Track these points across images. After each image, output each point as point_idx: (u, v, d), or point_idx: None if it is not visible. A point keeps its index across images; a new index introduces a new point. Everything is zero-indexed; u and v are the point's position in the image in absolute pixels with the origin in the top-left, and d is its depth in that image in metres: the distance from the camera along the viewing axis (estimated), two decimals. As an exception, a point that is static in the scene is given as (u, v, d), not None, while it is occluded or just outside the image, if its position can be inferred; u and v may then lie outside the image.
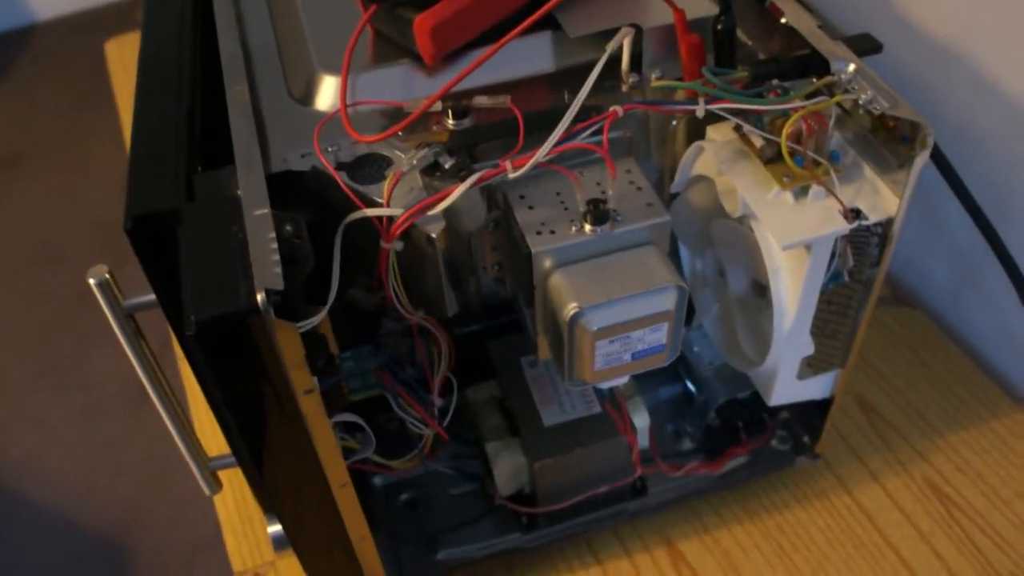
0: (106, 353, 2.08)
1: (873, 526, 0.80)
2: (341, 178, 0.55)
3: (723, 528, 0.81)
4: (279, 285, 0.46)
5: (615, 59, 0.61)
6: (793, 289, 0.62)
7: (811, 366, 0.71)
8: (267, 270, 0.46)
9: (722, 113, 0.58)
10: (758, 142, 0.60)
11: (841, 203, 0.58)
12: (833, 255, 0.62)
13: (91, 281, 0.53)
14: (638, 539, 0.81)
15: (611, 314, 0.56)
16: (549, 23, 0.63)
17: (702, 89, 0.58)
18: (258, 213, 0.50)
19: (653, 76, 0.62)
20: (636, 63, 0.63)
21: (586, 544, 0.80)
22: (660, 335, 0.59)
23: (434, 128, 0.59)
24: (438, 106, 0.59)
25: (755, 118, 0.60)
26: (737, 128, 0.61)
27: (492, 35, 0.61)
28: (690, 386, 0.85)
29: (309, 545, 0.64)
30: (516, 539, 0.77)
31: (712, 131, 0.63)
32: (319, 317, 0.50)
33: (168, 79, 0.63)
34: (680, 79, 0.62)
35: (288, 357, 0.48)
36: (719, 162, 0.61)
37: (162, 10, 0.71)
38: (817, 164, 0.58)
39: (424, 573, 0.76)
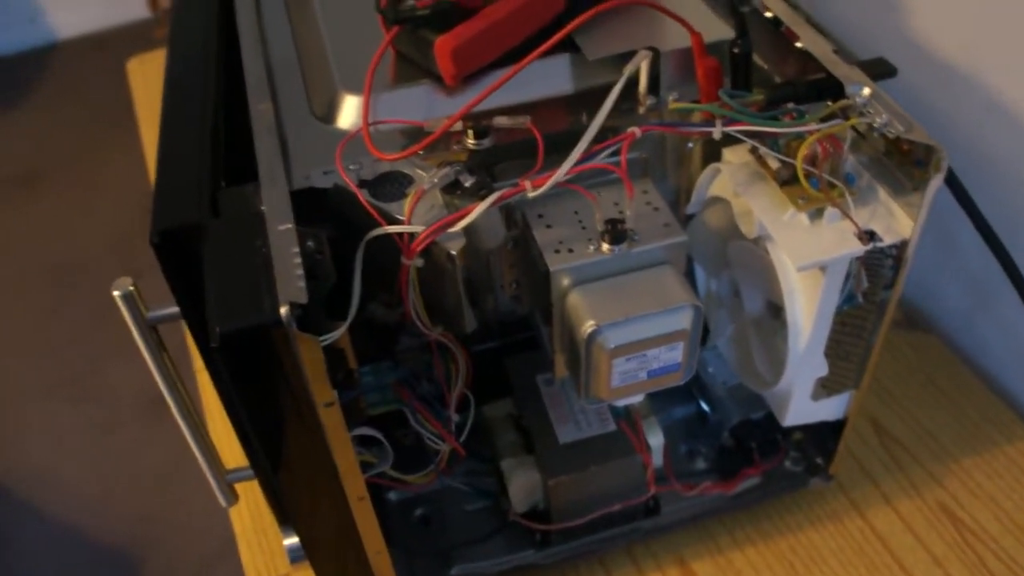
0: (120, 366, 2.10)
1: (886, 549, 0.81)
2: (363, 195, 0.56)
3: (736, 549, 0.81)
4: (303, 299, 0.46)
5: (633, 81, 0.62)
6: (808, 310, 0.63)
7: (825, 387, 0.71)
8: (291, 284, 0.47)
9: (739, 135, 0.59)
10: (774, 164, 0.61)
11: (856, 225, 0.58)
12: (848, 277, 0.62)
13: (116, 293, 0.53)
14: (651, 558, 0.81)
15: (628, 332, 0.57)
16: (568, 45, 0.64)
17: (719, 112, 0.58)
18: (282, 228, 0.51)
19: (670, 98, 0.63)
20: (654, 85, 0.63)
21: (599, 562, 0.80)
22: (676, 354, 0.59)
23: (454, 147, 0.60)
24: (458, 126, 0.60)
25: (771, 140, 0.60)
26: (753, 150, 0.62)
27: (512, 56, 0.62)
28: (704, 406, 0.85)
29: (325, 558, 0.65)
30: (529, 556, 0.77)
31: (728, 153, 0.64)
32: (340, 331, 0.51)
33: (194, 96, 0.64)
34: (697, 101, 0.63)
35: (310, 370, 0.49)
36: (735, 184, 0.62)
37: (188, 28, 0.72)
38: (832, 186, 0.59)
39: (438, 588, 0.77)
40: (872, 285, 0.64)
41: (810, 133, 0.58)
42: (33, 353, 2.21)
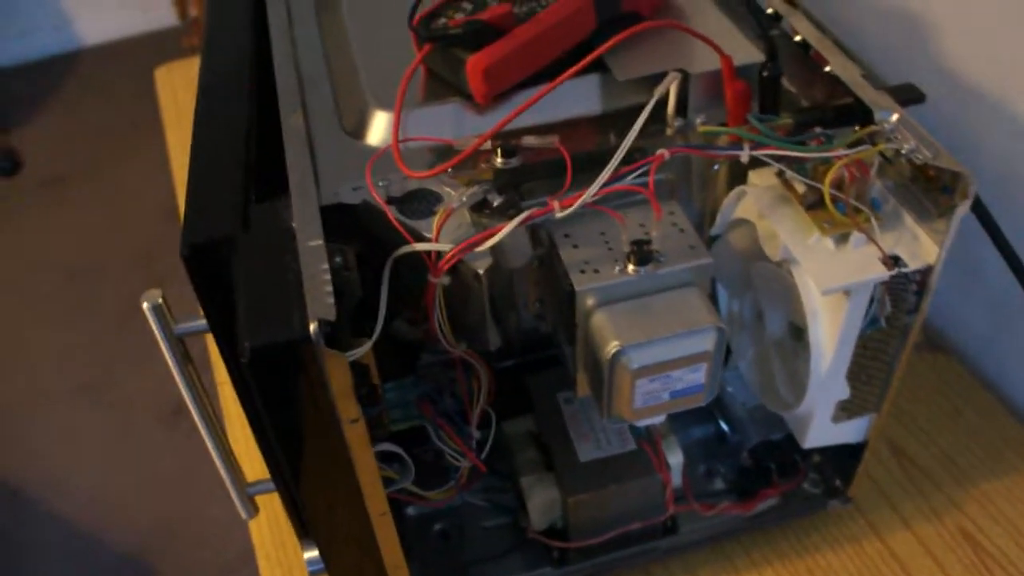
0: (139, 373, 2.11)
1: (904, 573, 0.80)
2: (391, 212, 0.56)
3: (753, 570, 0.81)
4: (331, 316, 0.47)
5: (661, 103, 0.62)
6: (831, 333, 0.63)
7: (846, 410, 0.71)
8: (320, 300, 0.48)
9: (766, 159, 0.59)
10: (800, 188, 0.61)
11: (881, 250, 0.59)
12: (872, 301, 0.62)
13: (145, 305, 0.54)
14: (668, 578, 0.81)
15: (651, 353, 0.57)
16: (597, 66, 0.64)
17: (747, 135, 0.59)
18: (312, 244, 0.51)
19: (698, 121, 0.63)
20: (682, 107, 0.64)
21: (616, 581, 0.81)
22: (699, 375, 0.59)
23: (483, 166, 0.60)
24: (487, 144, 0.60)
25: (798, 164, 0.60)
26: (780, 174, 0.62)
27: (542, 76, 0.62)
28: (724, 426, 0.85)
29: (345, 572, 0.65)
30: (547, 573, 0.77)
31: (754, 176, 0.64)
32: (366, 347, 0.51)
33: (227, 107, 0.65)
34: (724, 124, 0.63)
35: (336, 386, 0.49)
36: (760, 207, 0.62)
37: (222, 37, 0.72)
38: (858, 211, 0.59)
39: (455, 604, 0.77)
40: (895, 310, 0.64)
41: (838, 158, 0.58)
42: (52, 358, 2.23)
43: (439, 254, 0.55)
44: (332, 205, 0.58)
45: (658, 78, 0.62)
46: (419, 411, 0.67)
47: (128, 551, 1.83)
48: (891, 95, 0.63)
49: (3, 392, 2.15)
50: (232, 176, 0.57)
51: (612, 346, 0.56)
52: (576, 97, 0.64)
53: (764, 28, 0.65)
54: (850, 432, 0.73)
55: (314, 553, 0.64)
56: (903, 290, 0.63)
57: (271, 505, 0.83)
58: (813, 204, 0.60)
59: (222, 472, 0.64)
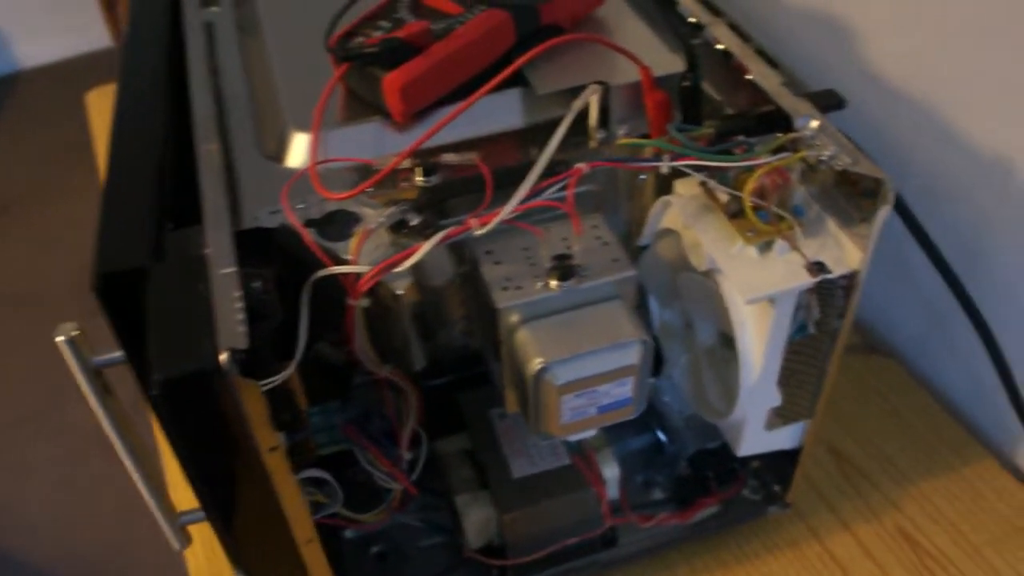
0: (84, 401, 2.07)
1: (845, 576, 0.81)
2: (310, 235, 0.55)
3: (695, 578, 0.81)
4: (243, 344, 0.46)
5: (583, 115, 0.62)
6: (759, 342, 0.63)
7: (780, 416, 0.71)
8: (232, 329, 0.47)
9: (687, 170, 0.59)
10: (723, 197, 0.61)
11: (805, 257, 0.59)
12: (798, 308, 0.62)
13: (59, 339, 0.53)
14: (610, 590, 0.81)
15: (576, 369, 0.57)
16: (518, 80, 0.64)
17: (667, 147, 0.58)
18: (224, 272, 0.50)
19: (620, 132, 0.63)
20: (604, 119, 0.64)
21: (558, 596, 0.80)
22: (626, 389, 0.59)
23: (403, 185, 0.60)
24: (407, 163, 0.59)
25: (720, 174, 0.60)
26: (703, 183, 0.62)
27: (461, 92, 0.62)
28: (661, 436, 0.85)
29: (278, 599, 0.64)
30: (487, 592, 0.77)
31: (679, 185, 0.64)
32: (285, 374, 0.51)
33: (142, 135, 0.64)
34: (647, 134, 0.63)
35: (252, 416, 0.49)
36: (685, 217, 0.62)
37: (138, 64, 0.71)
38: (781, 219, 0.59)
39: (394, 626, 0.76)
40: (824, 315, 0.64)
41: (758, 167, 0.58)
42: (-5, 387, 2.19)
43: (358, 276, 0.54)
44: (252, 229, 0.57)
45: (579, 90, 0.61)
46: (344, 435, 0.66)
47: (75, 577, 1.81)
48: (811, 102, 0.63)
49: (-55, 424, 2.11)
50: (145, 205, 0.56)
51: (536, 363, 0.56)
52: (497, 112, 0.64)
53: (684, 38, 0.65)
54: (785, 438, 0.73)
55: (246, 582, 0.63)
56: (830, 295, 0.63)
57: (210, 533, 0.82)
58: (736, 213, 0.60)
59: (150, 504, 0.62)
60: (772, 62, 0.67)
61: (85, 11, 3.26)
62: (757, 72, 0.66)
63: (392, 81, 0.60)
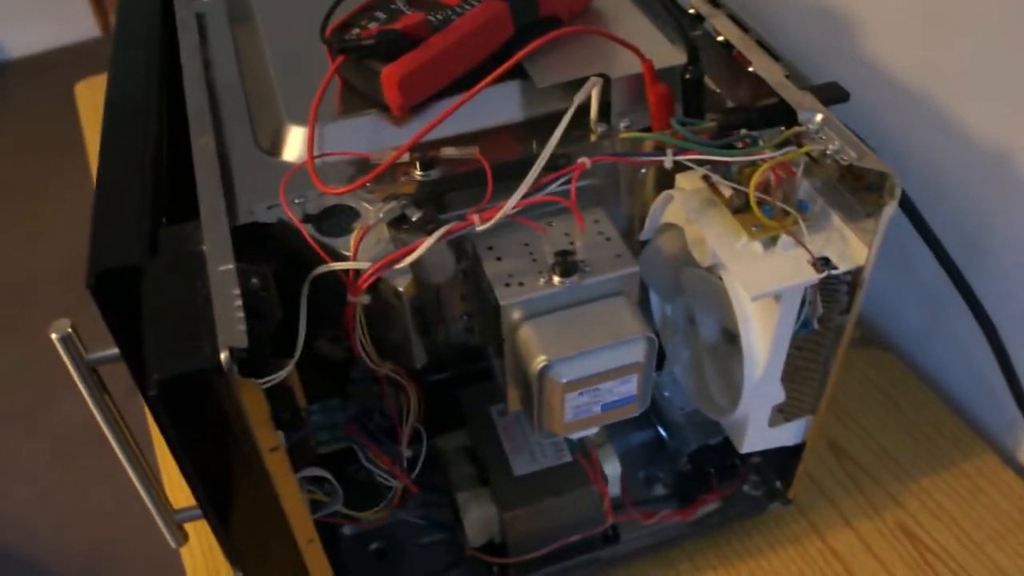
0: (76, 396, 2.05)
1: (847, 572, 0.80)
2: (307, 231, 0.54)
3: (696, 575, 0.80)
4: (243, 343, 0.45)
5: (584, 108, 0.61)
6: (763, 338, 0.62)
7: (783, 412, 0.70)
8: (231, 327, 0.46)
9: (689, 164, 0.58)
10: (727, 192, 0.60)
11: (810, 253, 0.58)
12: (803, 304, 0.61)
13: (53, 336, 0.52)
14: (611, 587, 0.80)
15: (580, 367, 0.56)
16: (517, 73, 0.63)
17: (670, 140, 0.58)
18: (222, 268, 0.49)
19: (621, 126, 0.62)
20: (605, 112, 0.63)
21: (558, 594, 0.79)
22: (630, 386, 0.58)
23: (402, 179, 0.59)
24: (406, 157, 0.59)
25: (723, 168, 0.60)
26: (706, 178, 0.61)
27: (460, 85, 0.61)
28: (662, 432, 0.84)
29: (276, 599, 0.63)
30: (487, 590, 0.76)
31: (681, 180, 0.63)
32: (284, 372, 0.50)
33: (134, 128, 0.63)
34: (649, 128, 0.62)
35: (252, 415, 0.48)
36: (688, 211, 0.61)
37: (130, 56, 0.70)
38: (786, 214, 0.58)
39: (393, 624, 0.76)
40: (828, 311, 0.63)
41: (763, 161, 0.57)
42: (-15, 383, 2.18)
43: (357, 272, 0.53)
44: (248, 225, 0.56)
45: (579, 83, 0.60)
46: (345, 433, 0.65)
47: (66, 574, 1.79)
48: (815, 94, 0.62)
49: (-66, 420, 2.10)
50: (139, 200, 0.55)
51: (539, 360, 0.55)
52: (496, 105, 0.63)
53: (685, 30, 0.64)
54: (788, 435, 0.73)
55: (244, 581, 0.62)
56: (834, 291, 0.63)
57: (205, 530, 0.81)
58: (740, 207, 0.59)
59: (147, 501, 0.61)
60: (773, 54, 0.66)
61: (73, 1, 3.24)
62: (759, 65, 0.65)
63: (390, 74, 0.59)
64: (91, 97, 1.45)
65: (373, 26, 0.62)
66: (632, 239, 0.68)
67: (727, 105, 0.66)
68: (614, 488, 0.74)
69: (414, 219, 0.55)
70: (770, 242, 0.59)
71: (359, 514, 0.68)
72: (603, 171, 0.63)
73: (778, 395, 0.67)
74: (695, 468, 0.81)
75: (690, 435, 0.80)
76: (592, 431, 0.62)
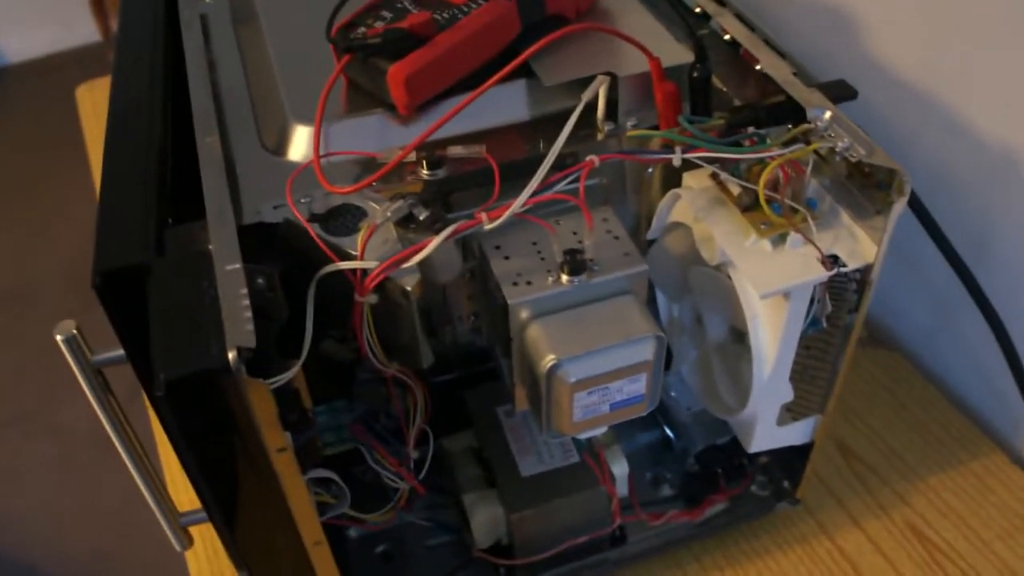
0: (77, 399, 2.05)
1: (855, 571, 0.80)
2: (314, 230, 0.54)
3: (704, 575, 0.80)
4: (251, 343, 0.45)
5: (591, 107, 0.60)
6: (772, 336, 0.62)
7: (791, 411, 0.70)
8: (239, 327, 0.45)
9: (698, 161, 0.58)
10: (735, 190, 0.60)
11: (819, 250, 0.58)
12: (812, 302, 0.61)
13: (58, 337, 0.51)
14: (618, 588, 0.80)
15: (589, 366, 0.55)
16: (524, 72, 0.62)
17: (678, 138, 0.57)
18: (229, 268, 0.49)
19: (629, 125, 0.62)
20: (612, 111, 0.62)
21: (565, 595, 0.79)
22: (639, 385, 0.58)
23: (408, 178, 0.58)
24: (413, 156, 0.58)
25: (732, 166, 0.59)
26: (714, 176, 0.61)
27: (467, 84, 0.60)
28: (668, 432, 0.84)
29: (282, 602, 0.63)
30: (494, 592, 0.76)
31: (689, 178, 0.63)
32: (292, 372, 0.49)
33: (139, 129, 0.62)
34: (656, 126, 0.62)
35: (260, 415, 0.47)
36: (696, 209, 0.61)
37: (134, 58, 0.70)
38: (795, 211, 0.58)
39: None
40: (836, 309, 0.63)
41: (772, 159, 0.57)
42: (-15, 387, 2.17)
43: (364, 272, 0.53)
44: (254, 224, 0.55)
45: (586, 82, 0.60)
46: (352, 434, 0.65)
47: (69, 580, 1.79)
48: (823, 92, 0.62)
49: (-66, 424, 2.10)
50: (144, 200, 0.55)
51: (548, 360, 0.55)
52: (503, 104, 0.63)
53: (692, 28, 0.63)
54: (796, 434, 0.72)
55: (250, 584, 0.62)
56: (843, 289, 0.62)
57: (210, 534, 0.80)
58: (749, 205, 0.59)
59: (151, 504, 0.61)
60: (780, 53, 0.66)
61: (73, 6, 3.24)
62: (767, 62, 0.65)
63: (397, 72, 0.59)
64: (92, 100, 1.45)
65: (379, 25, 0.62)
66: (639, 238, 0.67)
67: (734, 103, 0.65)
68: (622, 489, 0.74)
69: (421, 218, 0.54)
70: (779, 240, 0.59)
71: (366, 516, 0.67)
72: (610, 170, 0.63)
73: (787, 393, 0.67)
74: (702, 468, 0.81)
75: (697, 435, 0.80)
76: (600, 431, 0.62)
